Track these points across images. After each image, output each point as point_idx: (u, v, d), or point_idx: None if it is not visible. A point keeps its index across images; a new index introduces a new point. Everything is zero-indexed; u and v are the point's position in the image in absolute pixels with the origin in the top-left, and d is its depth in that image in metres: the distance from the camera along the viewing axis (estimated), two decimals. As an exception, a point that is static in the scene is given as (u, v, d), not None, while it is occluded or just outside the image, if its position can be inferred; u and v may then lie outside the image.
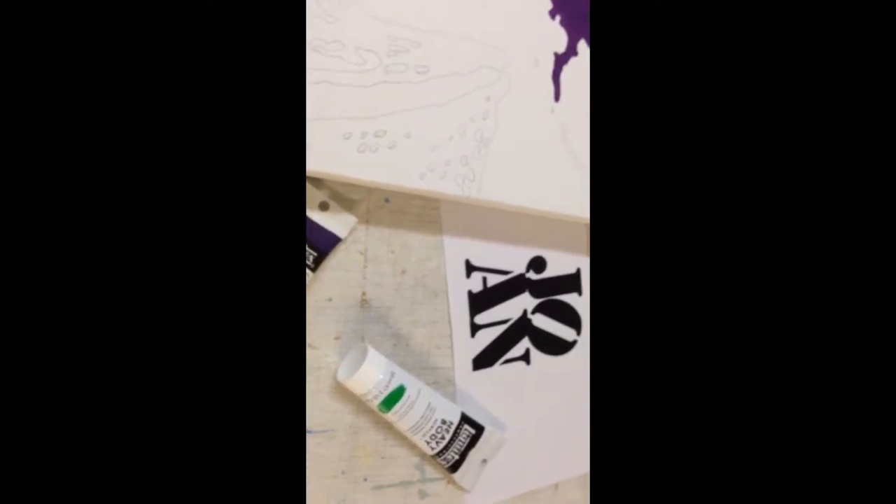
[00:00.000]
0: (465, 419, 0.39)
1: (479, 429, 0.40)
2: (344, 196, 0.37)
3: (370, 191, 0.37)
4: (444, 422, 0.38)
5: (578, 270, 0.45)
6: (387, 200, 0.38)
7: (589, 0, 0.38)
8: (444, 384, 0.41)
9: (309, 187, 0.35)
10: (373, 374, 0.36)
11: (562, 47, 0.37)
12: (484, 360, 0.43)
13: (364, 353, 0.36)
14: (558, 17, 0.37)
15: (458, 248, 0.41)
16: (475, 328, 0.42)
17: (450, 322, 0.41)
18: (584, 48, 0.38)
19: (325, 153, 0.32)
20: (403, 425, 0.37)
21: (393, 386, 0.36)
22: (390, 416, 0.37)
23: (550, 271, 0.44)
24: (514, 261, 0.43)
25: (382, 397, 0.36)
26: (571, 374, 0.45)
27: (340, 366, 0.37)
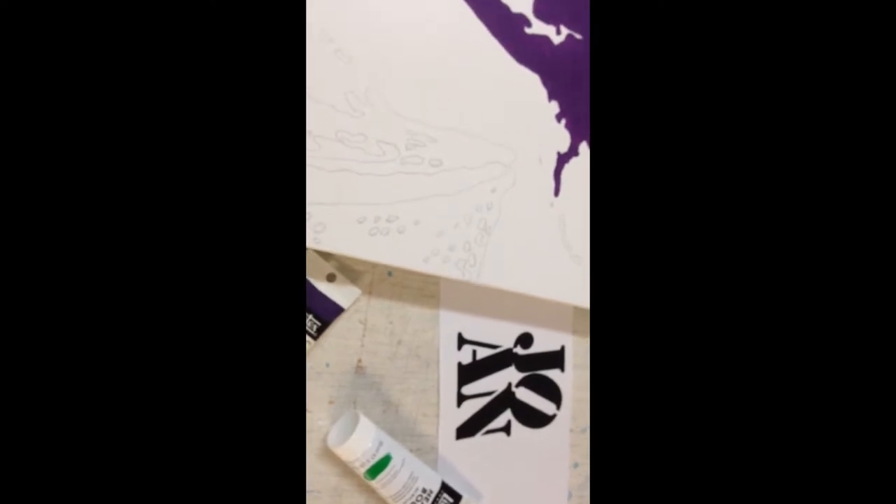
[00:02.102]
0: (444, 488, 0.41)
1: (457, 497, 0.41)
2: (350, 268, 0.39)
3: (375, 264, 0.39)
4: (424, 490, 0.40)
5: (563, 348, 0.48)
6: (390, 274, 0.40)
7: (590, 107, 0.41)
8: (427, 451, 0.43)
9: (318, 259, 0.37)
10: (361, 444, 0.37)
11: (565, 147, 0.40)
12: (467, 430, 0.44)
13: (355, 421, 0.38)
14: (564, 121, 0.40)
15: (452, 322, 0.43)
16: (462, 398, 0.44)
17: (438, 391, 0.43)
18: (584, 149, 0.41)
19: (339, 234, 0.34)
20: (386, 492, 0.39)
21: (380, 455, 0.38)
22: (374, 483, 0.38)
23: (537, 347, 0.47)
24: (504, 336, 0.45)
25: (369, 465, 0.38)
26: (549, 446, 0.47)
27: (331, 431, 0.39)
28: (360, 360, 0.40)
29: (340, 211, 0.34)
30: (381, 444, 0.38)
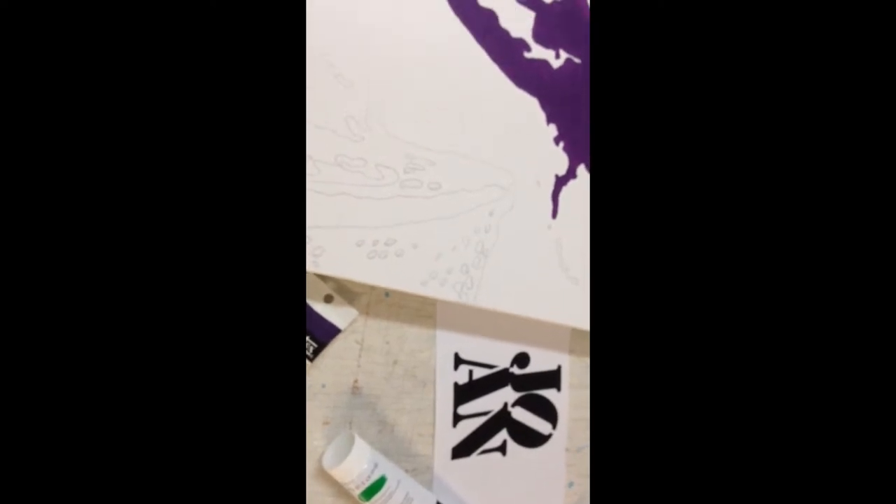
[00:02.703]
0: (439, 509, 0.41)
1: (452, 518, 0.41)
2: (347, 289, 0.39)
3: (372, 286, 0.39)
4: (419, 511, 0.40)
5: (559, 367, 0.48)
6: (387, 295, 0.40)
7: (589, 130, 0.41)
8: (422, 471, 0.43)
9: (315, 280, 0.37)
10: (357, 465, 0.37)
11: (563, 170, 0.41)
12: (462, 450, 0.44)
13: (350, 442, 0.38)
14: (562, 144, 0.40)
15: (449, 342, 0.43)
16: (457, 418, 0.44)
17: (434, 411, 0.43)
18: (582, 172, 0.41)
19: (337, 257, 0.34)
20: (380, 514, 0.39)
21: (375, 477, 0.38)
22: (369, 504, 0.38)
23: (533, 367, 0.47)
24: (500, 355, 0.45)
25: (364, 487, 0.37)
26: (545, 466, 0.47)
27: (326, 452, 0.39)
28: (355, 381, 0.40)
29: (339, 234, 0.34)
30: (376, 465, 0.38)
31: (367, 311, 0.40)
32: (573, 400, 0.48)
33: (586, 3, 0.40)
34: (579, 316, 0.43)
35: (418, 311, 0.41)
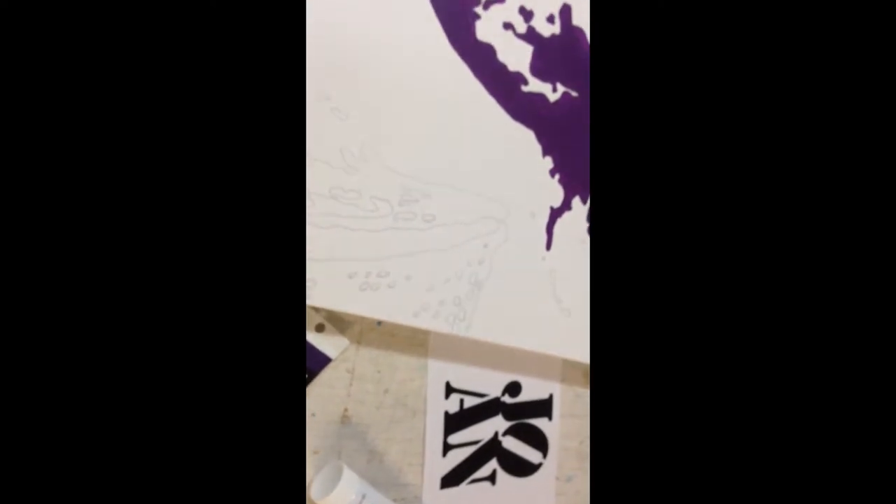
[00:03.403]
0: (427, 540, 0.40)
1: (440, 549, 0.41)
2: (339, 318, 0.39)
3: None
4: (407, 542, 0.39)
5: (551, 396, 0.48)
6: (379, 324, 0.40)
7: (585, 161, 0.41)
8: (411, 501, 0.42)
9: (307, 310, 0.37)
10: (345, 496, 0.37)
11: (558, 202, 0.41)
12: (452, 479, 0.44)
13: (338, 472, 0.38)
14: (557, 176, 0.40)
15: (440, 371, 0.43)
16: (447, 448, 0.44)
17: (424, 441, 0.43)
18: (577, 204, 0.42)
19: (329, 290, 0.34)
20: (368, 545, 0.38)
21: (363, 509, 0.37)
22: (356, 535, 0.38)
23: (525, 396, 0.46)
24: (492, 384, 0.45)
25: (351, 519, 0.37)
26: (534, 495, 0.47)
27: (314, 482, 0.38)
28: (346, 410, 0.40)
29: (332, 266, 0.34)
30: (364, 496, 0.37)
31: (358, 340, 0.40)
32: (564, 429, 0.48)
33: (585, 37, 0.40)
34: (572, 347, 0.43)
35: (410, 339, 0.41)
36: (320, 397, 0.39)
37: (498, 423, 0.46)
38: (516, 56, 0.38)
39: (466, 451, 0.44)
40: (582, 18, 0.40)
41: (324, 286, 0.34)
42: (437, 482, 0.43)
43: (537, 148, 0.40)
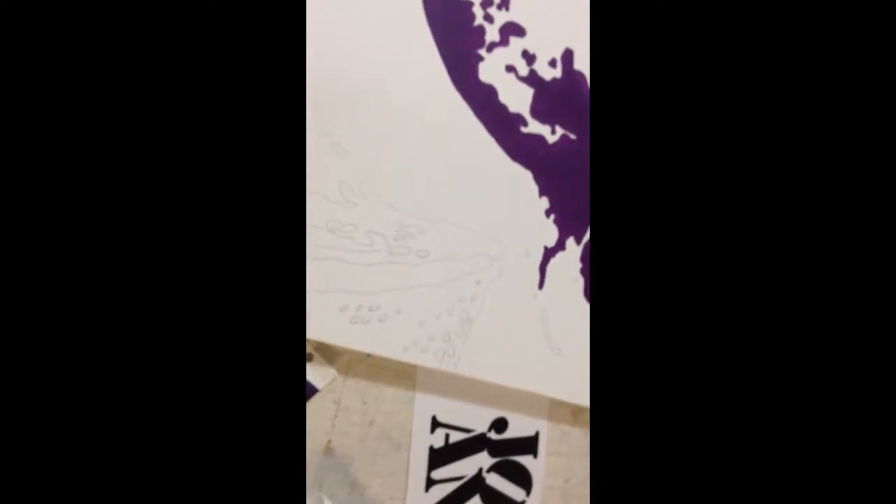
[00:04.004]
0: (405, 577, 0.40)
1: (418, 586, 0.40)
2: (328, 348, 0.39)
3: (354, 345, 0.39)
4: (384, 579, 0.39)
5: (537, 433, 0.47)
6: (368, 355, 0.40)
7: (580, 203, 0.42)
8: (390, 535, 0.42)
9: (297, 336, 0.37)
10: (324, 531, 0.37)
11: (552, 242, 0.41)
12: (433, 515, 0.43)
13: (319, 505, 0.37)
14: (553, 216, 0.41)
15: (427, 404, 0.43)
16: (430, 483, 0.43)
17: (407, 475, 0.42)
18: (571, 244, 0.42)
19: (319, 322, 0.34)
20: (344, 581, 0.38)
21: (342, 544, 0.37)
22: (333, 571, 0.37)
23: (511, 432, 0.46)
24: (478, 420, 0.45)
25: (329, 554, 0.37)
26: (515, 534, 0.46)
27: (294, 514, 0.38)
28: (329, 441, 0.39)
29: (323, 299, 0.34)
30: (343, 531, 0.37)
31: (346, 371, 0.39)
32: (549, 467, 0.47)
33: (586, 82, 0.40)
34: (561, 387, 0.43)
35: (399, 371, 0.41)
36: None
37: (483, 460, 0.45)
38: (517, 98, 0.38)
39: (449, 487, 0.44)
40: (583, 63, 0.40)
41: (314, 318, 0.34)
42: (419, 517, 0.43)
43: (534, 188, 0.40)
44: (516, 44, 0.38)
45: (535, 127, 0.39)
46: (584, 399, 0.45)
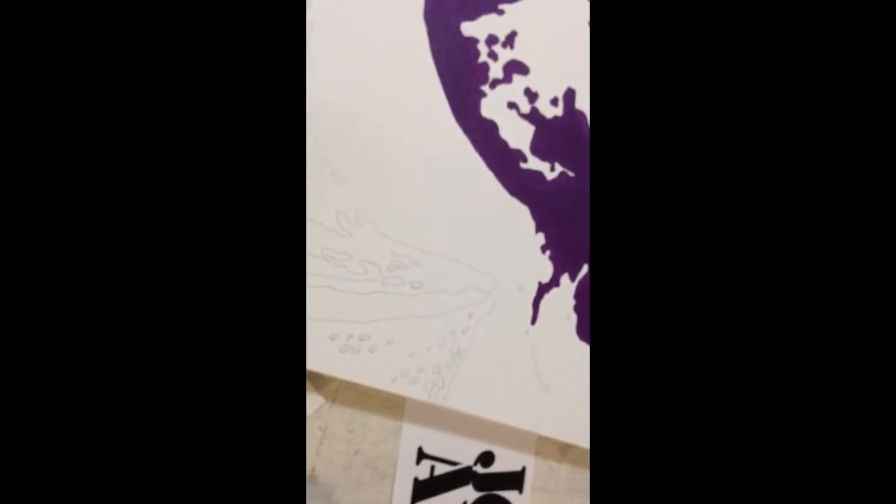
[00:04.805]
0: None
1: None
2: (317, 375, 0.39)
3: (343, 372, 0.39)
4: None
5: (524, 469, 0.47)
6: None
7: (576, 240, 0.42)
8: (370, 568, 0.41)
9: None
10: (302, 562, 0.36)
11: (546, 278, 0.41)
12: (414, 549, 0.43)
13: (299, 534, 0.37)
14: (548, 252, 0.41)
15: (414, 435, 0.42)
16: (413, 515, 0.43)
17: (390, 506, 0.42)
18: (566, 280, 0.42)
19: (308, 350, 0.34)
20: None
21: (319, 576, 0.36)
22: None
23: (497, 466, 0.46)
24: (465, 453, 0.44)
25: (306, 586, 0.36)
26: (497, 570, 0.45)
27: (272, 542, 0.37)
28: (312, 469, 0.39)
29: (314, 327, 0.33)
30: (321, 562, 0.36)
31: (333, 398, 0.39)
32: (534, 503, 0.47)
33: (586, 121, 0.41)
34: (550, 424, 0.43)
35: (387, 401, 0.41)
36: (289, 454, 0.38)
37: (467, 493, 0.45)
38: (518, 134, 0.39)
39: (432, 520, 0.43)
40: (585, 103, 0.41)
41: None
42: (399, 550, 0.42)
43: (531, 223, 0.40)
44: (519, 81, 0.39)
45: (534, 163, 0.40)
46: (572, 436, 0.45)
